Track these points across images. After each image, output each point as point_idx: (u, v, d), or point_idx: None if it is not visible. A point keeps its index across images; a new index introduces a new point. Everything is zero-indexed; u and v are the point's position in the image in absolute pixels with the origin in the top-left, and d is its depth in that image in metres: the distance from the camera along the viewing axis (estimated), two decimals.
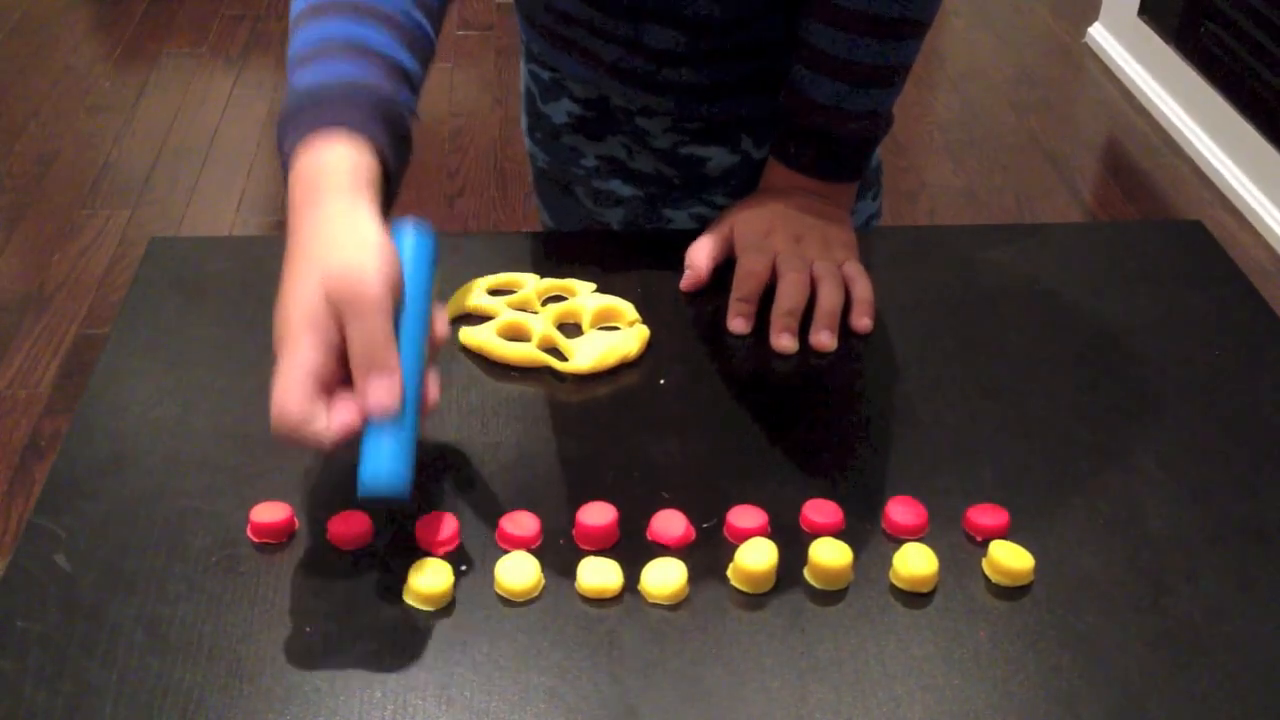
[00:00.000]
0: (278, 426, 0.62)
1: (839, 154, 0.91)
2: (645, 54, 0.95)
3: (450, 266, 0.90)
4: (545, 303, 0.87)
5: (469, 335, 0.82)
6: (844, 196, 0.93)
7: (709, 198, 1.02)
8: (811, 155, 0.90)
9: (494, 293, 0.87)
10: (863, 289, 0.86)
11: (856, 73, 0.87)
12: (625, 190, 1.05)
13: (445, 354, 0.82)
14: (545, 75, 1.04)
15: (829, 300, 0.84)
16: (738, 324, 0.84)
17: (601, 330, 0.84)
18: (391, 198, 0.73)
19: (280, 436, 0.62)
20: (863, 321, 0.85)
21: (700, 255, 0.88)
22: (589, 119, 1.02)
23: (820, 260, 0.86)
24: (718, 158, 1.00)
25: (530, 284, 0.87)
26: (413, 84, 0.77)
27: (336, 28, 0.75)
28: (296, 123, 0.71)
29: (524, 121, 1.11)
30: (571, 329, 0.84)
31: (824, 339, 0.83)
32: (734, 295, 0.85)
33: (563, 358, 0.81)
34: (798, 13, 0.89)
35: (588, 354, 0.81)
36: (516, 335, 0.83)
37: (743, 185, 0.99)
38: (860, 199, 1.05)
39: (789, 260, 0.86)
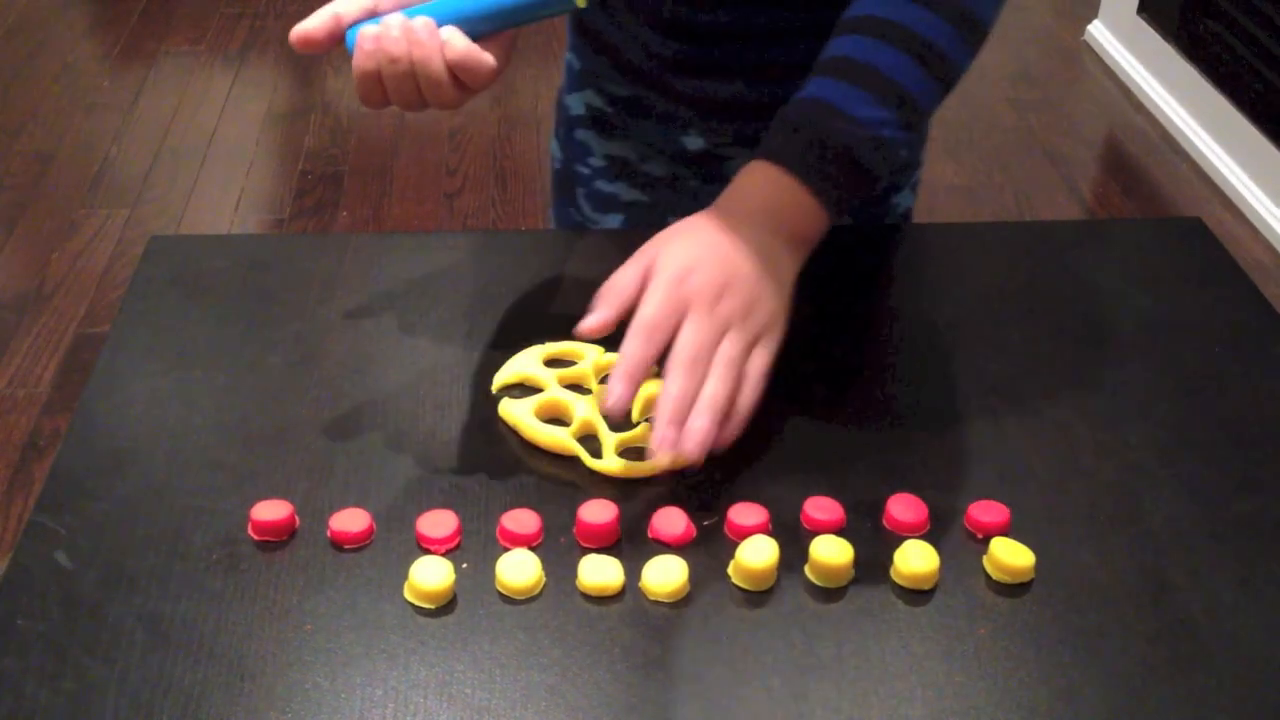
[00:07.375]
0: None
1: (855, 171, 0.76)
2: (688, 69, 0.94)
3: (448, 265, 0.90)
4: (602, 381, 0.78)
5: (507, 409, 0.76)
6: (808, 242, 0.78)
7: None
8: (818, 159, 0.76)
9: (550, 363, 0.80)
10: (746, 398, 0.71)
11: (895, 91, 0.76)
12: (628, 195, 1.03)
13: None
14: (578, 65, 1.02)
15: (711, 390, 0.69)
16: (586, 323, 0.71)
17: (648, 421, 0.72)
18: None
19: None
20: (723, 435, 0.70)
21: (613, 297, 0.72)
22: (606, 114, 1.00)
23: (734, 331, 0.72)
24: (740, 158, 0.86)
25: (590, 356, 0.79)
26: None
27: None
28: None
29: (554, 118, 1.09)
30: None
31: (697, 425, 0.68)
32: (598, 302, 0.72)
33: (597, 446, 0.74)
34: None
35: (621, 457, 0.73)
36: (556, 417, 0.76)
37: None
38: (898, 192, 1.04)
39: (697, 323, 0.70)
